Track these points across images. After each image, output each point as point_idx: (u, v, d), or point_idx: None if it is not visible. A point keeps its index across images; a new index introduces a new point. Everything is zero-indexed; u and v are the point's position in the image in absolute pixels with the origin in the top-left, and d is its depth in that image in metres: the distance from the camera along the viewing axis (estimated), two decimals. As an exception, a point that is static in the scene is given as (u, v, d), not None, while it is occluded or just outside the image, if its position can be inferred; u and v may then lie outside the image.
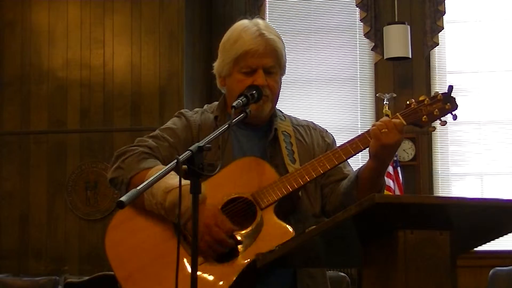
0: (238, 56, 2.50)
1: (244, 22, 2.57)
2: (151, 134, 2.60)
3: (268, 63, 2.50)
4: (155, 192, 2.33)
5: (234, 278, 2.31)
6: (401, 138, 2.36)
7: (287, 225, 2.38)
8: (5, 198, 6.93)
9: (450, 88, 2.44)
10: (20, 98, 7.00)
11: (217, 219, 2.34)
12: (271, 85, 2.51)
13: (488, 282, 6.11)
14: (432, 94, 2.48)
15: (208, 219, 2.32)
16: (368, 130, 2.40)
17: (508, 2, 7.28)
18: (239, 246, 2.36)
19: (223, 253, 2.35)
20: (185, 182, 2.02)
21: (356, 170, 2.50)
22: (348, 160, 2.54)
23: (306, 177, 2.42)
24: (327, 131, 2.70)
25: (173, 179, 2.28)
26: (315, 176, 2.43)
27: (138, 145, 2.55)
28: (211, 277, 2.28)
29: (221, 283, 2.31)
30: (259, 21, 2.57)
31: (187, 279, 2.00)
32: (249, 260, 2.32)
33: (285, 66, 2.57)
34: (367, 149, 2.41)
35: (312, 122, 2.72)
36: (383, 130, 2.33)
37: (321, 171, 2.43)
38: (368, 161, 2.42)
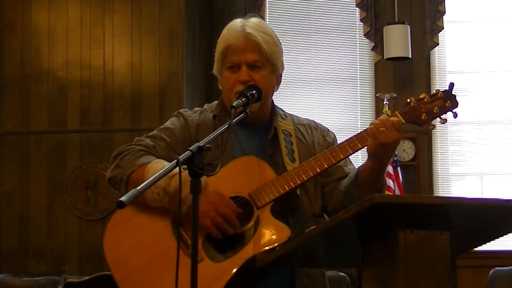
0: (222, 53, 2.52)
1: (235, 20, 2.57)
2: (149, 134, 2.61)
3: (250, 58, 2.48)
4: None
5: (230, 277, 2.31)
6: (399, 137, 2.35)
7: (284, 224, 2.37)
8: (5, 198, 6.93)
9: (451, 85, 2.42)
10: (20, 98, 7.00)
11: (222, 198, 2.36)
12: (257, 80, 2.48)
13: (488, 282, 6.10)
14: (433, 92, 2.47)
15: (213, 197, 2.34)
16: (366, 129, 2.38)
17: (508, 2, 7.28)
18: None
19: (223, 245, 2.35)
20: (186, 169, 2.02)
21: (355, 169, 2.49)
22: (349, 158, 2.54)
23: (304, 176, 2.41)
24: (328, 130, 2.69)
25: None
26: (312, 175, 2.42)
27: (135, 144, 2.56)
28: (207, 275, 2.28)
29: (217, 281, 2.31)
30: (251, 19, 2.56)
31: (186, 278, 1.99)
32: (245, 258, 2.33)
33: (276, 62, 2.52)
34: (364, 147, 2.41)
35: (313, 121, 2.71)
36: (381, 128, 2.32)
37: (319, 170, 2.42)
38: (367, 160, 2.41)
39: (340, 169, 2.55)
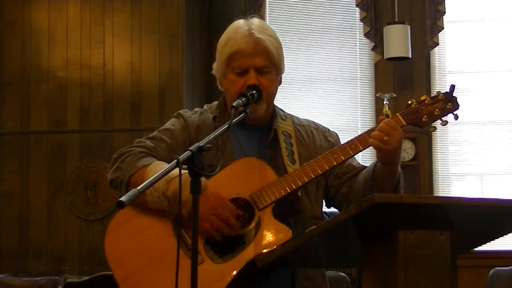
0: (229, 57, 2.50)
1: (239, 22, 2.56)
2: (149, 136, 2.61)
3: (258, 62, 2.48)
4: (156, 184, 2.33)
5: (231, 278, 2.31)
6: (401, 135, 2.36)
7: (285, 226, 2.37)
8: (5, 198, 6.92)
9: (452, 87, 2.43)
10: (20, 98, 7.00)
11: (220, 201, 2.36)
12: (264, 85, 2.49)
13: (488, 282, 6.10)
14: (434, 93, 2.47)
15: (213, 201, 2.34)
16: (368, 131, 2.40)
17: (508, 2, 7.28)
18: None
19: (224, 247, 2.35)
20: (185, 171, 2.02)
21: (370, 171, 2.48)
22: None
23: (305, 177, 2.41)
24: (329, 130, 2.69)
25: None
26: (313, 176, 2.42)
27: (136, 146, 2.56)
28: (208, 277, 2.28)
29: (218, 283, 2.31)
30: (254, 20, 2.55)
31: (186, 280, 1.99)
32: (246, 260, 2.32)
33: (281, 65, 2.54)
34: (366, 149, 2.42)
35: (313, 121, 2.71)
36: (385, 138, 2.33)
37: (320, 172, 2.42)
38: (380, 166, 2.42)
39: (351, 167, 2.56)
